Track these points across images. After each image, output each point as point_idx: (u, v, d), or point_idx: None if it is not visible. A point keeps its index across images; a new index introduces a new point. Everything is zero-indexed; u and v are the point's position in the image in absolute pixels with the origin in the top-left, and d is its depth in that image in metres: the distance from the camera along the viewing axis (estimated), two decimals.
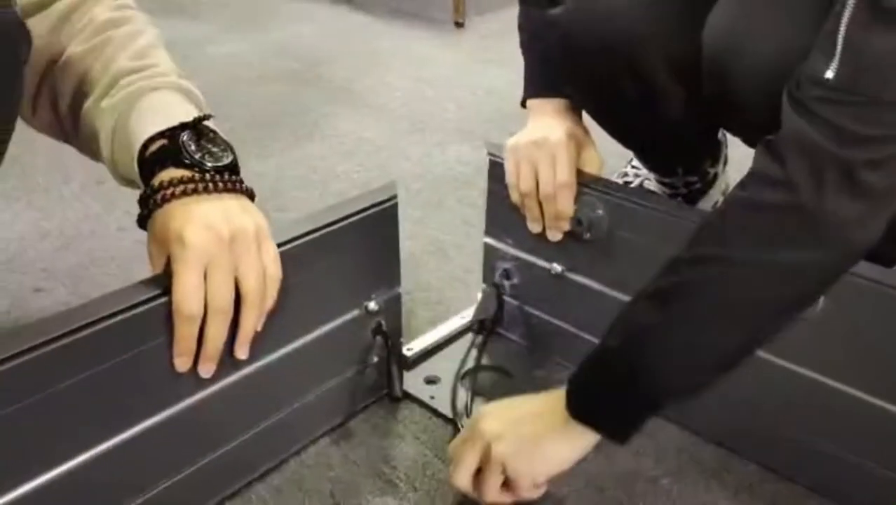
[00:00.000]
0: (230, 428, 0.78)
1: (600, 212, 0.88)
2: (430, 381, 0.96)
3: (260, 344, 0.75)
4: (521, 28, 0.99)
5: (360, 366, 0.90)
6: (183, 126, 0.69)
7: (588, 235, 0.89)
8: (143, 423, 0.70)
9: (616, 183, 0.91)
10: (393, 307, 0.91)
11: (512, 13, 1.01)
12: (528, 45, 0.99)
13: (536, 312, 1.00)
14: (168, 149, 0.68)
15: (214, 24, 2.50)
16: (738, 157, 1.12)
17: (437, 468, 0.85)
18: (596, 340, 0.93)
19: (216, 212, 0.66)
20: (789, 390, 0.78)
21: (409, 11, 2.51)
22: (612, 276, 0.89)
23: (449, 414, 0.90)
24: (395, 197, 0.86)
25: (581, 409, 0.72)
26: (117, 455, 0.69)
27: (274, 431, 0.82)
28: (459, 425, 0.87)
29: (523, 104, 0.99)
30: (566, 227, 0.92)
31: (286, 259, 0.72)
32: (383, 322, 0.89)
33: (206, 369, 0.70)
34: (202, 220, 0.65)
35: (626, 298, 0.87)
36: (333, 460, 0.87)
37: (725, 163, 1.17)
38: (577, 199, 0.89)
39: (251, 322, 0.70)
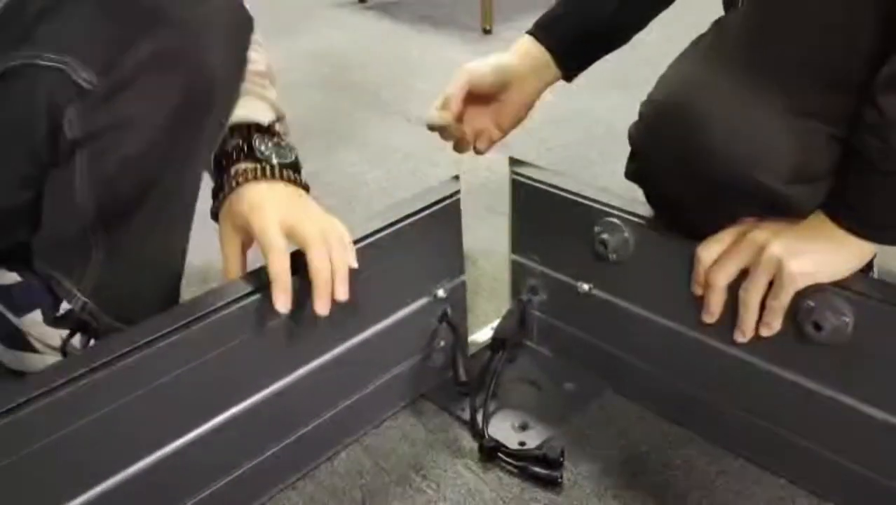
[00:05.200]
0: (302, 416, 0.84)
1: (625, 234, 0.87)
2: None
3: (339, 330, 0.84)
4: None
5: (426, 351, 0.95)
6: (258, 127, 0.82)
7: (614, 257, 0.89)
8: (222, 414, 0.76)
9: (638, 206, 0.89)
10: (458, 295, 0.96)
11: None
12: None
13: (565, 327, 1.00)
14: (241, 146, 0.80)
15: None
16: None
17: (467, 477, 0.86)
18: (624, 355, 0.95)
19: (282, 191, 0.79)
20: (817, 411, 0.78)
21: (438, 18, 2.52)
22: (641, 295, 0.89)
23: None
24: (458, 192, 0.91)
25: (854, 223, 0.72)
26: (173, 459, 0.72)
27: (343, 416, 0.88)
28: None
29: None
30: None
31: (367, 251, 0.80)
32: (448, 309, 0.93)
33: (322, 305, 0.73)
34: (272, 194, 0.78)
35: (655, 316, 0.88)
36: (364, 468, 0.88)
37: None
38: (600, 220, 0.88)
39: (343, 261, 0.75)
